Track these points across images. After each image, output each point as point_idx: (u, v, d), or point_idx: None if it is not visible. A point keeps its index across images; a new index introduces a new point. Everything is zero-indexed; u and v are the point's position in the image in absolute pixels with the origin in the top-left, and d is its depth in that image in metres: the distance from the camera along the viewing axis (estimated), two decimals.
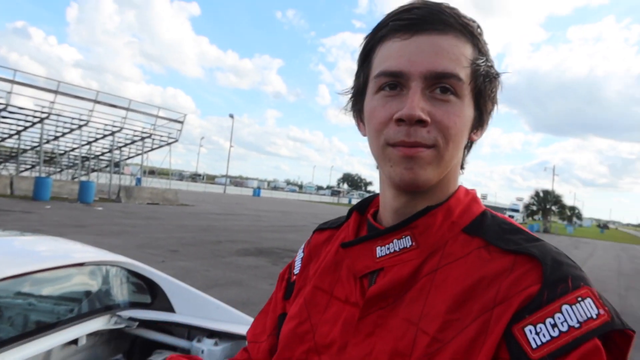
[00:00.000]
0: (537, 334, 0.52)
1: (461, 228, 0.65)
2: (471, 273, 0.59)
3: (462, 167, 0.72)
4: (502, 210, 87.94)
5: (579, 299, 0.53)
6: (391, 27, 0.63)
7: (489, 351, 0.53)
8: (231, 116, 55.66)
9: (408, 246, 0.65)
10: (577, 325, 0.51)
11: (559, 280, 0.54)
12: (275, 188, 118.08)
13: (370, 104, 0.65)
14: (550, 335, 0.51)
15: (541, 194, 57.41)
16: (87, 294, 2.20)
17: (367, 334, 0.62)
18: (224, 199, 38.22)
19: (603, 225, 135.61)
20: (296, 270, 0.83)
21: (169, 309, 2.30)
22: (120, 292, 2.32)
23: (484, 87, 0.64)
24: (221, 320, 2.24)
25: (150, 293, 2.37)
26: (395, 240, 0.66)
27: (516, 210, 66.04)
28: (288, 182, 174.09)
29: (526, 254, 0.57)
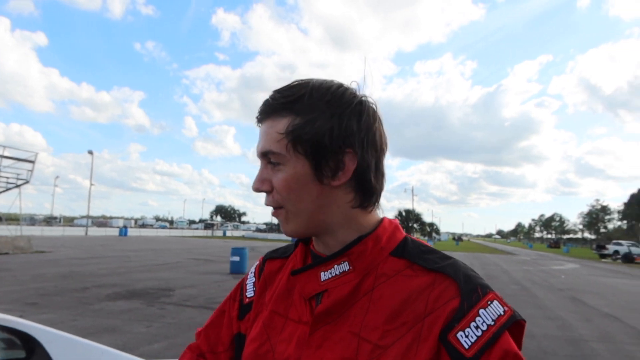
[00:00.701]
0: (467, 336, 0.67)
1: (389, 252, 0.79)
2: (402, 289, 0.74)
3: (363, 207, 0.80)
4: None
5: (489, 302, 0.70)
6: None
7: (426, 354, 0.68)
8: (90, 152, 52.04)
9: (346, 270, 0.78)
10: (492, 323, 0.68)
11: (471, 290, 0.71)
12: (143, 225, 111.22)
13: None
14: (476, 335, 0.67)
15: (404, 213, 61.92)
16: None
17: (317, 346, 0.74)
18: (87, 241, 35.23)
19: (457, 238, 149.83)
20: (249, 293, 0.94)
21: None
22: None
23: (309, 144, 0.75)
24: None
25: (24, 347, 2.23)
26: (335, 266, 0.78)
27: None
28: (157, 219, 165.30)
29: (443, 272, 0.73)
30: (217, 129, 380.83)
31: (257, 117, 0.81)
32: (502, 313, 0.69)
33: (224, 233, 79.23)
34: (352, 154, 0.76)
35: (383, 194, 0.84)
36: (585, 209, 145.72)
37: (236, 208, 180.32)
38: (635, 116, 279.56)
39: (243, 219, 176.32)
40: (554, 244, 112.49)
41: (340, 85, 0.79)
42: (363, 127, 0.77)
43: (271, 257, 0.98)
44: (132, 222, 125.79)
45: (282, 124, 0.76)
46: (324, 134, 0.75)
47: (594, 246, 67.22)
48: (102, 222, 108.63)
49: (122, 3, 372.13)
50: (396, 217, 0.90)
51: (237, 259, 15.98)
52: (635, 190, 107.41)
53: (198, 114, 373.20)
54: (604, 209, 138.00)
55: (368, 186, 0.79)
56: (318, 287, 0.79)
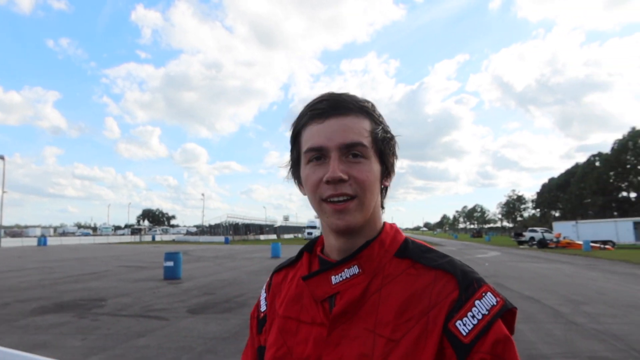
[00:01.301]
0: (464, 325, 0.76)
1: (392, 254, 0.89)
2: (407, 287, 0.83)
3: (382, 207, 0.96)
4: (302, 228, 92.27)
5: (484, 294, 0.80)
6: (310, 115, 0.88)
7: (433, 344, 0.76)
8: (1, 157, 48.30)
9: (356, 273, 0.86)
10: (486, 312, 0.77)
11: (468, 284, 0.80)
12: (64, 234, 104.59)
13: (305, 172, 0.89)
14: (472, 323, 0.76)
15: None
16: None
17: (335, 344, 0.82)
18: (1, 253, 32.72)
19: None
20: (262, 308, 1.04)
21: None
22: None
23: (383, 147, 0.89)
24: None
25: None
26: (345, 270, 0.87)
27: (314, 227, 70.57)
28: (79, 226, 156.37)
29: (442, 269, 0.83)
30: (141, 130, 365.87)
31: (321, 113, 0.87)
32: (495, 303, 0.79)
33: (153, 238, 76.57)
34: (394, 165, 0.94)
35: None
36: (503, 200, 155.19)
37: (165, 211, 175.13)
38: (543, 111, 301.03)
39: (172, 222, 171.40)
40: (477, 234, 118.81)
41: None
42: (393, 145, 0.94)
43: (277, 270, 1.07)
44: (51, 230, 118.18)
45: (366, 123, 0.88)
46: (390, 141, 0.91)
47: (512, 234, 71.63)
48: (16, 231, 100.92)
49: None
50: None
51: (170, 264, 15.55)
52: (546, 180, 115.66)
53: (120, 114, 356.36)
54: (520, 199, 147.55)
55: (386, 190, 0.96)
56: (330, 290, 0.87)
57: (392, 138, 0.93)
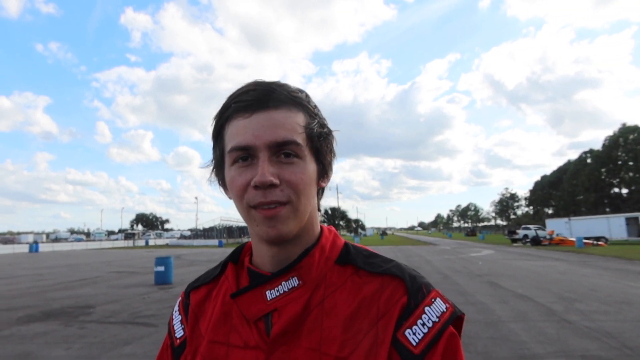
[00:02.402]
0: (414, 334, 0.70)
1: (334, 261, 0.80)
2: (352, 296, 0.75)
3: (319, 210, 0.86)
4: None
5: (433, 300, 0.74)
6: (234, 108, 0.75)
7: (384, 356, 0.69)
8: None
9: (296, 285, 0.76)
10: (437, 320, 0.71)
11: (417, 289, 0.74)
12: (57, 240, 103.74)
13: (229, 175, 0.76)
14: (422, 332, 0.70)
15: (329, 212, 62.76)
16: None
17: None
18: None
19: (382, 233, 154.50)
20: (178, 334, 0.87)
21: None
22: None
23: (319, 144, 0.78)
24: None
25: None
26: (283, 283, 0.76)
27: None
28: (72, 231, 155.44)
29: (389, 274, 0.76)
30: (132, 134, 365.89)
31: (248, 105, 0.75)
32: (445, 310, 0.74)
33: (147, 242, 75.89)
34: (331, 164, 0.83)
35: None
36: (497, 198, 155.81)
37: (158, 215, 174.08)
38: (535, 109, 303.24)
39: (166, 226, 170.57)
40: (471, 232, 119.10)
41: None
42: (331, 141, 0.83)
43: (193, 287, 0.91)
44: (44, 236, 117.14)
45: (300, 117, 0.76)
46: (326, 138, 0.80)
47: (506, 232, 71.87)
48: (8, 238, 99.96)
49: (17, 0, 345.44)
50: (322, 215, 0.93)
51: (161, 269, 15.38)
52: (538, 178, 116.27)
53: (111, 118, 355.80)
54: (513, 197, 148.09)
55: (323, 191, 0.86)
56: (265, 307, 0.76)
57: (329, 133, 0.82)
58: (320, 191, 0.85)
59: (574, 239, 40.43)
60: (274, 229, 0.73)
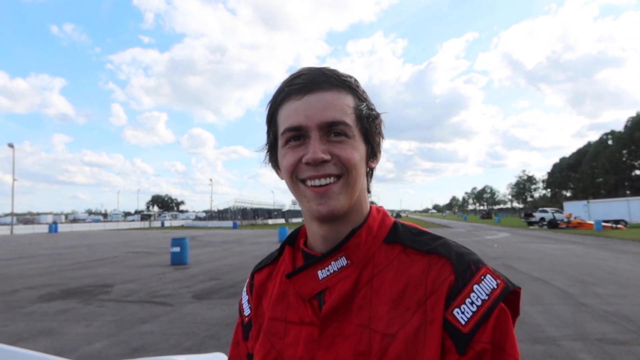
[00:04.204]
0: (463, 313, 0.70)
1: (382, 240, 0.82)
2: (400, 275, 0.76)
3: (368, 191, 0.88)
4: (301, 212, 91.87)
5: (482, 277, 0.73)
6: (286, 92, 0.79)
7: (437, 336, 0.70)
8: (11, 145, 48.81)
9: (344, 265, 0.79)
10: (486, 298, 0.71)
11: (465, 268, 0.74)
12: (75, 220, 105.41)
13: (282, 153, 0.81)
14: (471, 311, 0.70)
15: None
16: None
17: (329, 345, 0.75)
18: (13, 240, 33.19)
19: (397, 215, 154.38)
20: (246, 312, 0.94)
21: None
22: None
23: (368, 126, 0.81)
24: None
25: None
26: (332, 263, 0.80)
27: None
28: (90, 212, 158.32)
29: (436, 253, 0.76)
30: (147, 116, 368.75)
31: (300, 88, 0.78)
32: (496, 286, 0.72)
33: (162, 223, 77.04)
34: (380, 145, 0.86)
35: None
36: (513, 180, 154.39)
37: (173, 197, 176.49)
38: (555, 89, 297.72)
39: (181, 207, 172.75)
40: (486, 215, 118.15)
41: None
42: (379, 124, 0.85)
43: (257, 269, 0.98)
44: (63, 217, 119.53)
45: (349, 99, 0.79)
46: (374, 119, 0.83)
47: (522, 215, 71.24)
48: (28, 219, 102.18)
49: None
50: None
51: (177, 249, 15.60)
52: (557, 160, 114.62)
53: (126, 100, 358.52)
54: (530, 179, 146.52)
55: (372, 172, 0.89)
56: (317, 286, 0.80)
57: (377, 116, 0.84)
58: (370, 172, 0.88)
59: (592, 222, 39.90)
60: (325, 205, 0.76)
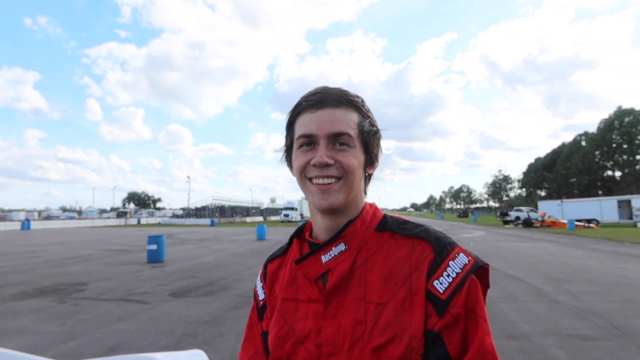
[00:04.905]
0: (441, 283, 0.88)
1: (374, 228, 1.00)
2: (390, 256, 0.94)
3: (365, 193, 1.06)
4: (279, 210, 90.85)
5: (456, 255, 0.92)
6: (304, 105, 0.98)
7: (421, 302, 0.88)
8: None
9: (343, 249, 0.97)
10: (460, 271, 0.89)
11: (442, 248, 0.93)
12: (48, 217, 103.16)
13: (295, 156, 1.00)
14: (448, 282, 0.88)
15: None
16: None
17: (333, 316, 0.92)
18: None
19: None
20: (260, 297, 1.12)
21: None
22: None
23: (368, 139, 0.99)
24: None
25: None
26: (333, 248, 0.97)
27: (292, 209, 69.58)
28: (64, 209, 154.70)
29: (418, 237, 0.95)
30: (123, 112, 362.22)
31: (314, 103, 0.96)
32: (467, 262, 0.92)
33: (139, 221, 75.90)
34: (378, 155, 1.05)
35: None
36: (490, 180, 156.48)
37: (150, 194, 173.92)
38: (531, 90, 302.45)
39: (158, 205, 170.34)
40: (463, 214, 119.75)
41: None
42: (378, 138, 1.04)
43: (270, 260, 1.16)
44: (36, 214, 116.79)
45: (354, 116, 0.98)
46: (374, 134, 1.02)
47: (498, 214, 72.35)
48: (0, 216, 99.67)
49: None
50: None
51: (154, 247, 15.41)
52: (532, 160, 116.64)
53: (102, 95, 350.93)
54: (506, 179, 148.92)
55: (370, 177, 1.07)
56: (321, 269, 0.97)
57: (377, 132, 1.03)
58: (368, 177, 1.06)
59: (565, 221, 40.76)
60: (326, 200, 0.94)
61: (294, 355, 0.94)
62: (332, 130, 0.94)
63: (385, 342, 0.86)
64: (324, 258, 0.97)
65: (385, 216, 1.03)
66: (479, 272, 0.91)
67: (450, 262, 0.90)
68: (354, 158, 0.96)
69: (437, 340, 0.86)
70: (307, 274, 0.98)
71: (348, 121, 0.96)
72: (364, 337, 0.88)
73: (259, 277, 1.17)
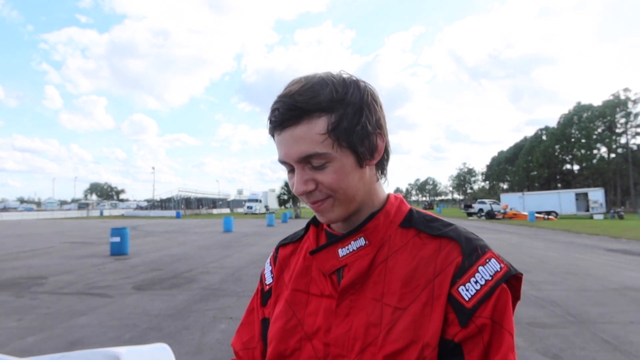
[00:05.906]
0: (467, 290, 0.78)
1: (398, 224, 0.89)
2: (413, 256, 0.84)
3: (383, 176, 0.93)
4: (243, 202, 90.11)
5: (487, 260, 0.81)
6: (270, 126, 0.85)
7: (441, 309, 0.78)
8: None
9: (363, 245, 0.87)
10: (490, 278, 0.78)
11: (472, 251, 0.82)
12: (5, 209, 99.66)
13: (288, 177, 0.88)
14: (475, 289, 0.78)
15: (285, 187, 62.69)
16: None
17: (345, 315, 0.84)
18: None
19: (429, 204, 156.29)
20: (268, 281, 1.03)
21: None
22: None
23: (348, 137, 0.81)
24: None
25: None
26: (352, 242, 0.88)
27: (256, 200, 69.05)
28: (22, 201, 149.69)
29: (446, 237, 0.84)
30: (85, 100, 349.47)
31: (275, 125, 0.82)
32: (499, 269, 0.80)
33: (101, 213, 74.21)
34: (381, 134, 0.88)
35: (268, 164, 0.89)
36: (455, 172, 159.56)
37: (113, 185, 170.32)
38: (495, 85, 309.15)
39: (122, 196, 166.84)
40: (429, 206, 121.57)
41: (349, 76, 0.86)
42: (380, 108, 0.88)
43: (283, 244, 1.07)
44: None
45: (319, 125, 0.80)
46: (358, 123, 0.82)
47: (462, 206, 73.92)
48: None
49: None
50: (282, 188, 0.96)
51: (117, 239, 15.06)
52: (495, 154, 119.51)
53: (61, 83, 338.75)
54: (470, 172, 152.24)
55: (387, 160, 0.92)
56: (338, 263, 0.88)
57: (357, 123, 0.83)
58: (376, 165, 0.90)
59: (526, 213, 42.03)
60: (323, 217, 0.87)
61: (299, 351, 0.86)
62: (298, 155, 0.81)
63: (399, 350, 0.77)
64: (341, 252, 0.88)
65: (411, 210, 0.93)
66: (510, 281, 0.81)
67: (480, 268, 0.80)
68: (335, 173, 0.82)
69: (457, 351, 0.77)
70: (322, 266, 0.90)
71: (312, 137, 0.80)
72: (377, 341, 0.79)
73: (268, 260, 1.08)
